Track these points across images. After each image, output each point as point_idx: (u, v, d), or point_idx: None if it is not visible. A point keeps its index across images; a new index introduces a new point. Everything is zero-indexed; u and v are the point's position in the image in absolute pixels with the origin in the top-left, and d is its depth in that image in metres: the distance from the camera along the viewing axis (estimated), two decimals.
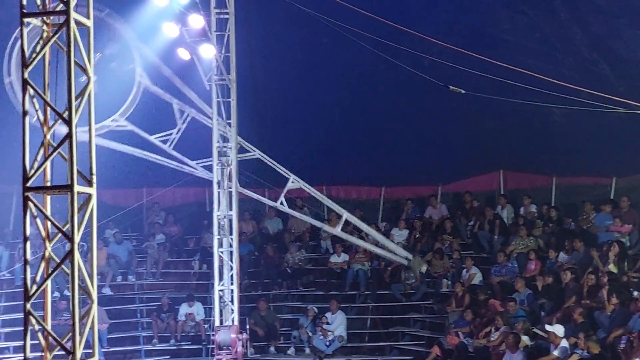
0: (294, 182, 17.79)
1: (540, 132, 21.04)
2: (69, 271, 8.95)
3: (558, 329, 16.21)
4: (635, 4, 16.58)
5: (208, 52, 16.29)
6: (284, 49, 21.20)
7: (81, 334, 8.91)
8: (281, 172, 17.69)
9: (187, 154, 18.73)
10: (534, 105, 18.09)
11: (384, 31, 16.73)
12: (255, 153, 17.32)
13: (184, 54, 16.66)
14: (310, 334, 20.84)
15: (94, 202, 9.16)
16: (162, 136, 18.12)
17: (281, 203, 18.80)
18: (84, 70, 9.22)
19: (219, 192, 16.98)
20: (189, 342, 21.19)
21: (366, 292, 22.52)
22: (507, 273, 20.48)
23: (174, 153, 17.75)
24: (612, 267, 17.95)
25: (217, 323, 16.65)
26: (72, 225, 8.90)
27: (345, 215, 18.92)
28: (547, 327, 16.32)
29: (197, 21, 15.81)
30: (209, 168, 17.31)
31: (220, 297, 16.85)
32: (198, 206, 25.18)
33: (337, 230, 19.64)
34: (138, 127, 17.90)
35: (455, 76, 16.33)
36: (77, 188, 8.91)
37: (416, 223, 23.59)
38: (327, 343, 20.71)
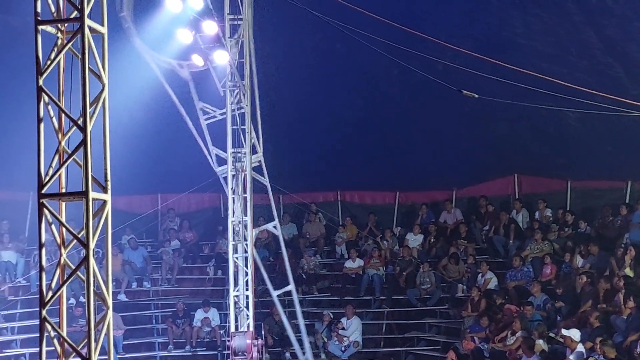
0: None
1: (555, 136, 21.00)
2: (84, 277, 8.97)
3: (574, 334, 16.16)
4: None
5: (222, 58, 16.32)
6: (297, 55, 21.22)
7: (96, 340, 8.92)
8: (261, 181, 17.66)
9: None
10: (548, 109, 18.07)
11: (397, 36, 16.72)
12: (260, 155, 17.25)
13: (198, 61, 16.69)
14: (325, 339, 20.83)
15: (108, 208, 9.18)
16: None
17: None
18: (99, 77, 9.25)
19: (233, 198, 17.00)
20: (204, 348, 21.22)
21: (381, 297, 22.53)
22: (523, 277, 20.45)
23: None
24: (628, 271, 17.89)
25: (232, 329, 16.64)
26: (87, 232, 8.91)
27: None
28: (564, 332, 16.27)
29: (210, 27, 15.83)
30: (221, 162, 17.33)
31: (235, 303, 16.85)
32: (213, 212, 25.24)
33: None
34: None
35: (469, 81, 16.32)
36: (92, 194, 8.93)
37: (431, 228, 23.58)
38: (343, 348, 20.73)
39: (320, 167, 22.40)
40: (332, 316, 21.26)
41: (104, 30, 9.33)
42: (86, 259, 8.85)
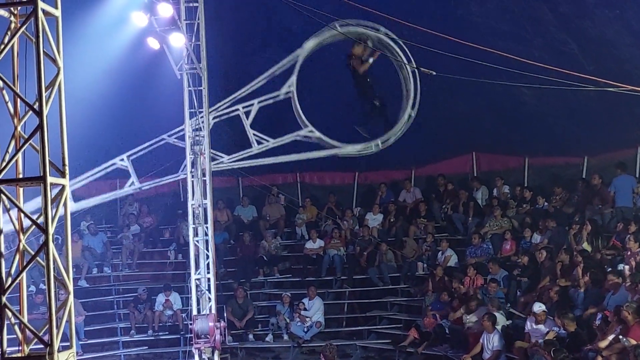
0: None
1: (512, 113, 21.13)
2: (44, 263, 8.89)
3: (544, 308, 16.42)
4: None
5: (178, 40, 16.19)
6: (254, 36, 21.12)
7: (58, 327, 8.86)
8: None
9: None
10: (505, 87, 18.14)
11: (354, 15, 16.71)
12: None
13: (153, 44, 16.54)
14: (287, 320, 20.88)
15: (67, 193, 9.11)
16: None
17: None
18: (53, 61, 9.14)
19: (192, 181, 16.92)
20: (167, 332, 21.20)
21: (342, 277, 22.61)
22: (483, 254, 20.63)
23: (148, 184, 17.62)
24: (585, 246, 18.10)
25: (194, 312, 16.61)
26: (46, 217, 8.84)
27: None
28: (536, 308, 16.43)
29: (166, 10, 15.68)
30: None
31: (197, 286, 16.81)
32: (172, 196, 25.11)
33: None
34: None
35: (426, 58, 16.34)
36: (50, 179, 8.85)
37: (390, 207, 23.70)
38: (305, 329, 20.80)
39: (277, 148, 22.35)
40: (290, 296, 21.32)
41: (57, 13, 9.23)
42: (45, 244, 8.79)
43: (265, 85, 17.62)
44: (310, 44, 17.26)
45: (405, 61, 17.08)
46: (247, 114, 17.11)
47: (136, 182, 17.10)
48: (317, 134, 17.16)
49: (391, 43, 17.13)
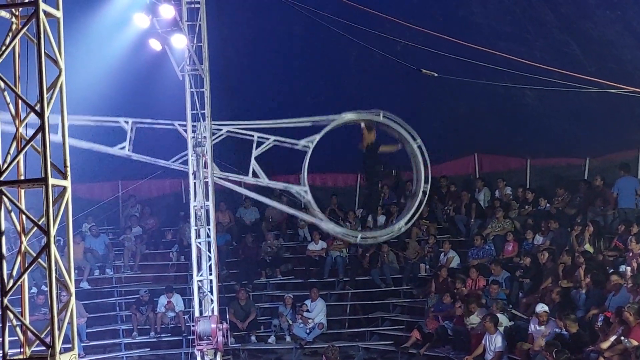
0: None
1: (513, 114, 21.11)
2: (45, 265, 8.89)
3: (547, 309, 16.42)
4: None
5: (180, 42, 16.19)
6: (255, 38, 21.12)
7: (60, 328, 8.86)
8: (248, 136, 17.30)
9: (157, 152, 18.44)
10: (507, 88, 18.17)
11: (356, 16, 16.70)
12: (223, 131, 17.02)
13: (155, 45, 16.53)
14: (290, 322, 20.88)
15: (68, 194, 9.09)
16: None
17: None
18: (55, 62, 9.13)
19: (194, 183, 16.90)
20: (169, 334, 21.20)
21: (345, 279, 22.59)
22: (485, 255, 20.61)
23: (137, 156, 17.35)
24: (588, 247, 18.10)
25: (196, 314, 16.60)
26: (48, 219, 8.83)
27: None
28: (539, 309, 16.44)
29: (167, 11, 15.68)
30: (185, 162, 17.17)
31: (199, 288, 16.80)
32: (174, 197, 25.12)
33: None
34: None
35: (427, 60, 16.34)
36: (52, 181, 8.84)
37: (393, 209, 23.65)
38: (308, 330, 20.79)
39: (279, 151, 22.34)
40: (292, 298, 21.32)
41: (59, 14, 9.22)
42: (47, 246, 8.77)
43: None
44: (349, 117, 17.16)
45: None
46: (259, 143, 16.97)
47: (128, 147, 16.76)
48: (309, 197, 17.05)
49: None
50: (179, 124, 16.96)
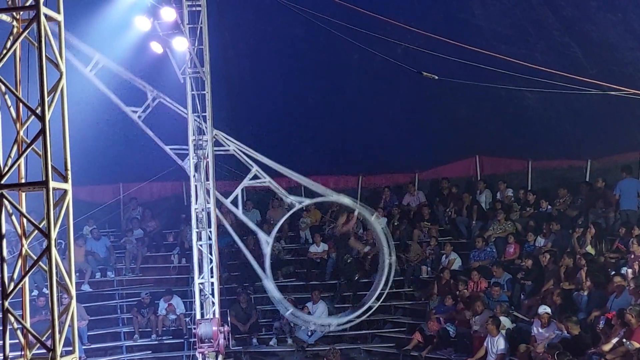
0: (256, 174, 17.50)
1: (515, 116, 21.12)
2: (46, 268, 8.89)
3: (549, 311, 16.43)
4: None
5: (181, 45, 16.20)
6: (257, 40, 21.13)
7: (60, 331, 8.86)
8: (247, 164, 17.44)
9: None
10: (508, 90, 18.17)
11: (356, 19, 16.71)
12: (230, 148, 17.10)
13: (156, 48, 16.54)
14: (292, 324, 20.86)
15: (69, 197, 9.09)
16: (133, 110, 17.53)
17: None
18: (56, 66, 9.13)
19: (196, 185, 16.89)
20: (171, 337, 21.20)
21: (346, 281, 22.56)
22: (486, 258, 20.61)
23: (145, 128, 17.28)
24: (589, 249, 18.09)
25: (198, 316, 16.59)
26: (49, 222, 8.83)
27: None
28: (541, 310, 16.45)
29: (169, 14, 15.69)
30: (182, 157, 17.15)
31: (201, 291, 16.79)
32: (176, 200, 25.11)
33: None
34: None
35: (428, 63, 16.35)
36: (53, 184, 8.84)
37: (394, 211, 23.67)
38: (309, 333, 20.76)
39: (281, 153, 22.34)
40: (294, 300, 21.28)
41: (60, 17, 9.22)
42: (48, 249, 8.77)
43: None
44: (344, 200, 17.55)
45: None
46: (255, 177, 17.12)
47: (140, 114, 16.74)
48: (268, 249, 17.20)
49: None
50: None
